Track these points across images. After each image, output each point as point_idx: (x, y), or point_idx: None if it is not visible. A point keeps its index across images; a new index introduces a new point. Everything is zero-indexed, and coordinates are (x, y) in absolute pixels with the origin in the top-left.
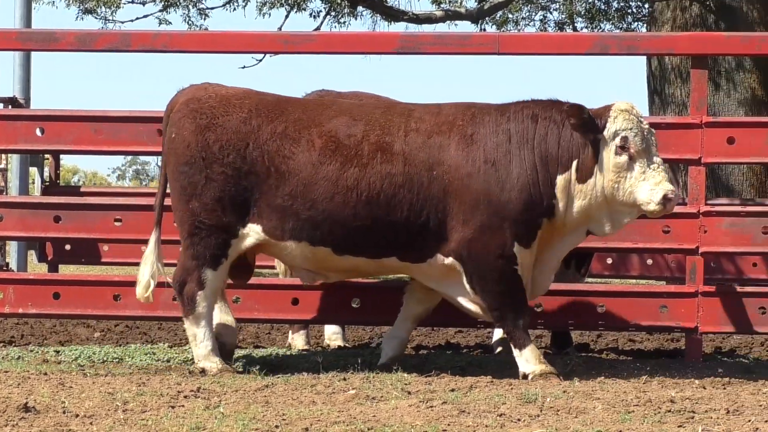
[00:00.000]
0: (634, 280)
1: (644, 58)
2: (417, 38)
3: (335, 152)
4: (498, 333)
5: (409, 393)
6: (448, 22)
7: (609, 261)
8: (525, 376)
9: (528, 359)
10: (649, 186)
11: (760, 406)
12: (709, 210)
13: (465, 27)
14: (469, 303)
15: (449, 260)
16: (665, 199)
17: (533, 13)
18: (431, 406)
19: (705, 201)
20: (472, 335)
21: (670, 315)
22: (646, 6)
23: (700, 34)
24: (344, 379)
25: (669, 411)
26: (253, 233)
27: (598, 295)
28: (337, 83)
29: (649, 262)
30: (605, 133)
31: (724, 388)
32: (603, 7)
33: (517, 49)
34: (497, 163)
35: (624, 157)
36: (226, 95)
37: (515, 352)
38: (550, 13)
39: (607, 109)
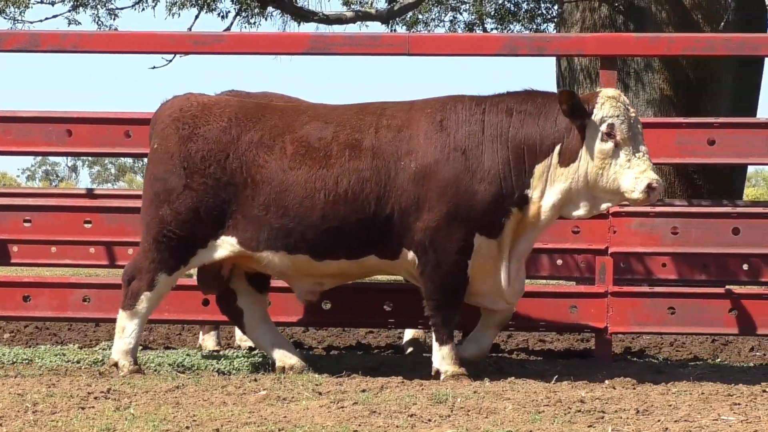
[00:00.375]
0: (544, 281)
1: (554, 59)
2: (327, 39)
3: (305, 156)
4: (409, 333)
5: (320, 394)
6: (358, 22)
7: None
8: (437, 373)
9: (445, 357)
10: (633, 174)
11: (670, 406)
12: (618, 210)
13: (375, 28)
14: (492, 304)
15: (411, 255)
16: (649, 188)
17: (443, 14)
18: (342, 407)
19: None
20: (383, 336)
21: (579, 315)
22: (556, 7)
23: (609, 35)
24: (255, 380)
25: (579, 411)
26: (226, 245)
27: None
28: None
29: (559, 262)
30: (592, 118)
31: (634, 389)
32: (512, 8)
33: (427, 50)
34: (468, 151)
35: (610, 144)
36: (207, 104)
37: (435, 346)
38: (460, 14)
39: (595, 95)
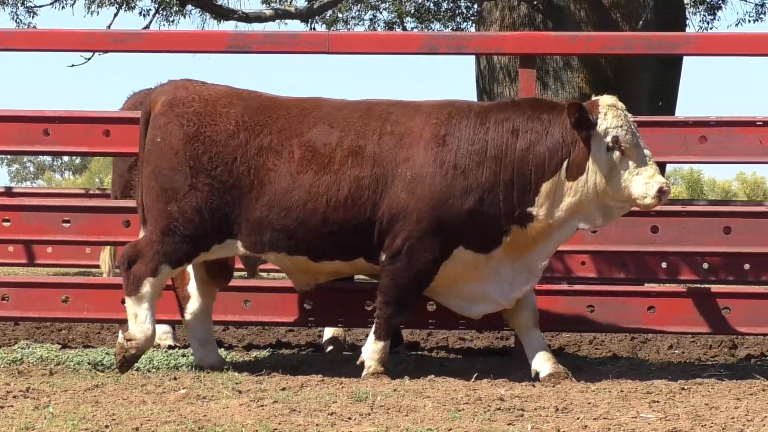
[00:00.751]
0: None
1: (473, 57)
2: (247, 37)
3: (311, 162)
4: (329, 332)
5: (240, 392)
6: (278, 21)
7: None
8: (361, 364)
9: (375, 352)
10: (643, 180)
11: (589, 403)
12: None
13: (295, 26)
14: (468, 304)
15: (383, 256)
16: (660, 192)
17: (363, 13)
18: (262, 405)
19: None
20: (302, 334)
21: (499, 313)
22: (475, 6)
23: (528, 33)
24: (175, 379)
25: (499, 409)
26: (230, 248)
27: (428, 294)
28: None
29: None
30: (597, 129)
31: (553, 386)
32: (432, 7)
33: (347, 48)
34: (467, 171)
35: (616, 154)
36: (210, 99)
37: (370, 338)
38: (380, 12)
39: (595, 105)
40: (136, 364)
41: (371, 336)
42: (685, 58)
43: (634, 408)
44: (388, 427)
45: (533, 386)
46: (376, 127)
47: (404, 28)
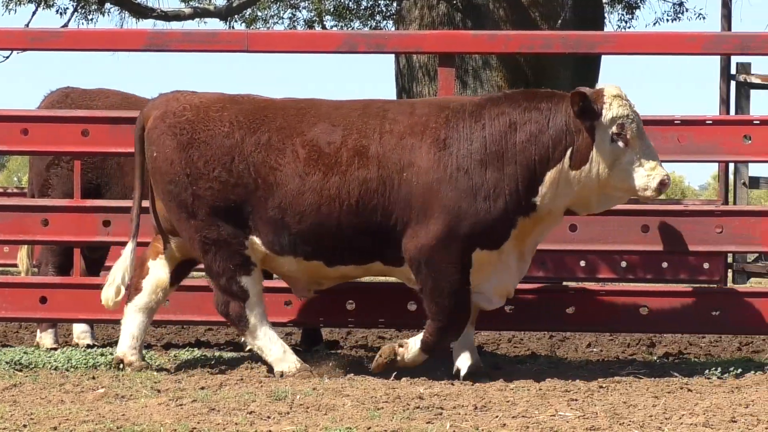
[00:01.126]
0: (383, 278)
1: (393, 56)
2: (165, 35)
3: (318, 161)
4: None
5: (159, 391)
6: (197, 19)
7: None
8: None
9: (414, 357)
10: (645, 172)
11: (508, 402)
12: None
13: (214, 24)
14: (488, 303)
15: (405, 267)
16: (662, 185)
17: (282, 11)
18: (181, 405)
19: None
20: (222, 333)
21: (418, 311)
22: (394, 4)
23: (447, 32)
24: (93, 378)
25: (418, 407)
26: (253, 247)
27: (346, 292)
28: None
29: None
30: (602, 119)
31: (472, 384)
32: (352, 5)
33: (266, 47)
34: (470, 171)
35: (620, 144)
36: (201, 106)
37: (417, 344)
38: (299, 11)
39: (600, 94)
40: (54, 363)
41: (418, 343)
42: (604, 57)
43: (552, 406)
44: (307, 426)
45: (452, 384)
46: (375, 126)
47: (324, 27)
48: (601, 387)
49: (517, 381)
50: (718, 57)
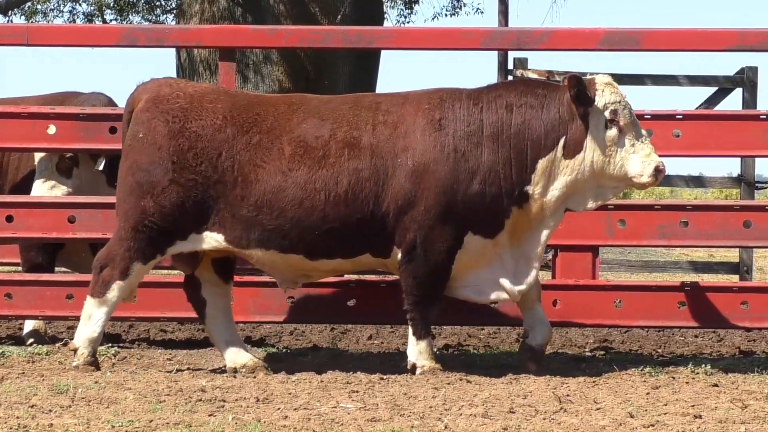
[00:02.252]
0: (165, 271)
1: (174, 50)
2: None
3: (303, 157)
4: (29, 324)
5: None
6: None
7: None
8: (413, 368)
9: (422, 352)
10: (640, 159)
11: (290, 394)
12: None
13: None
14: (478, 295)
15: (399, 252)
16: (657, 171)
17: (62, 5)
18: None
19: None
20: (3, 327)
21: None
22: None
23: (227, 27)
24: None
25: (200, 400)
26: (210, 240)
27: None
28: None
29: None
30: (595, 105)
31: (255, 377)
32: None
33: (46, 41)
34: (467, 152)
35: (614, 131)
36: (195, 95)
37: (411, 339)
38: (79, 4)
39: (591, 82)
40: None
41: (412, 338)
42: (384, 52)
43: (334, 398)
44: (89, 419)
45: (234, 377)
46: (368, 118)
47: (104, 21)
48: (381, 379)
49: (299, 373)
50: (496, 52)
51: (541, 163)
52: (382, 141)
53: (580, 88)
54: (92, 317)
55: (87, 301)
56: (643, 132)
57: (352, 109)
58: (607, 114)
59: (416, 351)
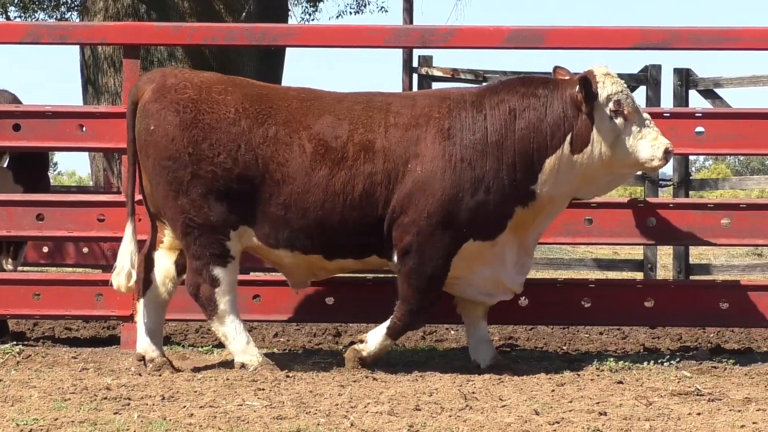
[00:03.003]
0: (70, 269)
1: (78, 47)
2: None
3: (324, 157)
4: None
5: None
6: None
7: (45, 249)
8: (359, 342)
9: (378, 346)
10: (648, 143)
11: (195, 392)
12: (141, 199)
13: None
14: (478, 294)
15: (394, 256)
16: (666, 153)
17: None
18: None
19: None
20: None
21: (105, 303)
22: None
23: (132, 24)
24: None
25: (105, 398)
26: (245, 237)
27: (34, 283)
28: None
29: (85, 250)
30: (598, 99)
31: (160, 375)
32: None
33: None
34: (473, 162)
35: (620, 120)
36: (202, 85)
37: (382, 330)
38: None
39: (591, 75)
40: None
41: (384, 330)
42: (289, 50)
43: (239, 396)
44: None
45: (140, 375)
46: (380, 119)
47: (8, 18)
48: (287, 377)
49: (204, 371)
50: (401, 50)
51: (549, 162)
52: (394, 144)
53: (587, 87)
54: (228, 335)
55: (213, 327)
56: (646, 116)
57: (365, 110)
58: (611, 105)
59: (377, 341)
